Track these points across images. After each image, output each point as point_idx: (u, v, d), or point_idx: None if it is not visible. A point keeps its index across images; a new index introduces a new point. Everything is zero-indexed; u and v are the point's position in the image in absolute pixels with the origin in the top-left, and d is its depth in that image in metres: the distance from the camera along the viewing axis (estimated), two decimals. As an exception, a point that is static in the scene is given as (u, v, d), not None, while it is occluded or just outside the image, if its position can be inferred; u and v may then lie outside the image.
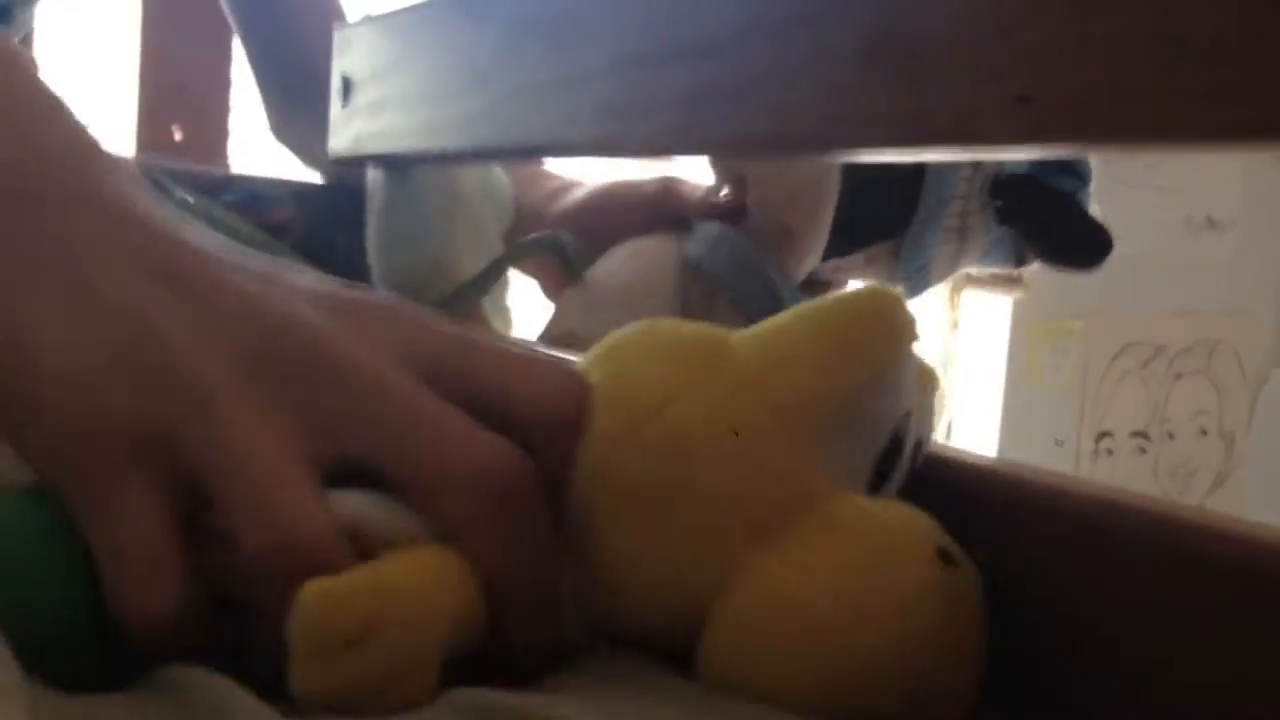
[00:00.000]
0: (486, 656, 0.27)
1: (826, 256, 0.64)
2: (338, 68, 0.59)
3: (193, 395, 0.26)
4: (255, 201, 0.67)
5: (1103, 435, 1.74)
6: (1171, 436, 1.80)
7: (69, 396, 0.26)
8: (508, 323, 0.65)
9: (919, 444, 0.30)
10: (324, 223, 0.70)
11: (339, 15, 0.81)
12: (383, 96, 0.55)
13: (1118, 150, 0.25)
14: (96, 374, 0.26)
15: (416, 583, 0.26)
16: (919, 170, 0.64)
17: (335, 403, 0.27)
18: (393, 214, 0.61)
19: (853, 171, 0.63)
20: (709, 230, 0.63)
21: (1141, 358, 1.74)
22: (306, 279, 0.30)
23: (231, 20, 0.85)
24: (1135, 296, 1.69)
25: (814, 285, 0.66)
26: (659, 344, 0.30)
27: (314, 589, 0.25)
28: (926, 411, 0.31)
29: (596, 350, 0.30)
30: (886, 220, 0.64)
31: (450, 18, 0.49)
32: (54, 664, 0.25)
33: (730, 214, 0.64)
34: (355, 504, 0.26)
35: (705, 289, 0.63)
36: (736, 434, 0.28)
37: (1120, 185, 1.63)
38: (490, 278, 0.60)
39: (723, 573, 0.27)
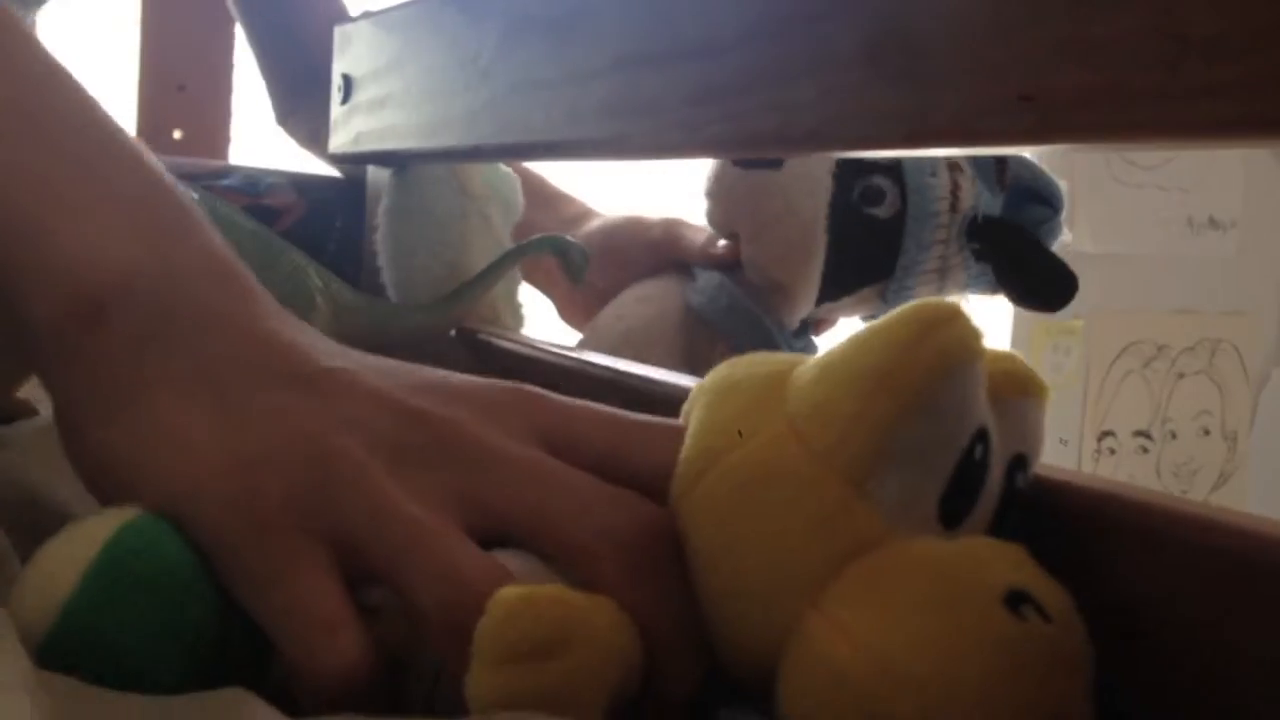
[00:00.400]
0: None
1: (819, 301, 0.70)
2: (337, 66, 0.59)
3: (343, 474, 0.27)
4: (253, 186, 0.67)
5: (1105, 435, 1.74)
6: (1174, 436, 1.80)
7: (225, 485, 0.27)
8: (519, 319, 0.65)
9: (1019, 461, 0.28)
10: (324, 213, 0.70)
11: (340, 2, 0.80)
12: (383, 94, 0.55)
13: (1119, 147, 0.25)
14: (248, 465, 0.28)
15: (603, 617, 0.26)
16: (899, 222, 0.68)
17: (475, 481, 0.28)
18: (404, 218, 0.61)
19: (838, 226, 0.68)
20: (710, 280, 0.69)
21: (1143, 357, 1.74)
22: (428, 373, 0.31)
23: (232, 8, 0.84)
24: (1137, 296, 1.69)
25: (808, 324, 0.72)
26: (729, 386, 0.29)
27: (511, 592, 0.25)
28: (1025, 425, 0.28)
29: (695, 392, 0.30)
30: (871, 269, 0.69)
31: (451, 14, 0.49)
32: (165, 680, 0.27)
33: (727, 265, 0.69)
34: (514, 565, 0.27)
35: (707, 335, 0.69)
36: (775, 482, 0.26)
37: (1122, 185, 1.63)
38: (492, 275, 0.60)
39: (779, 633, 0.26)
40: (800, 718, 0.25)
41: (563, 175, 0.82)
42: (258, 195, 0.66)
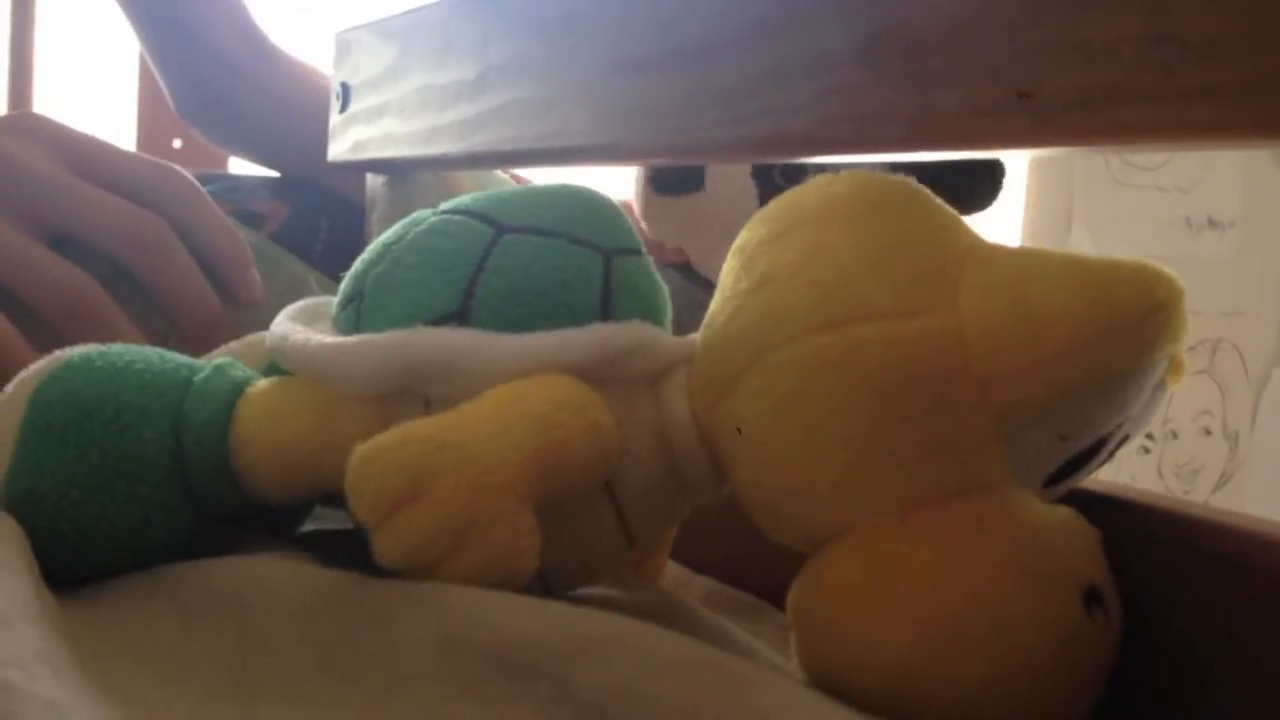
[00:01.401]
0: None
1: None
2: (336, 74, 0.59)
3: None
4: (234, 192, 0.67)
5: (1106, 435, 1.74)
6: (1175, 436, 1.79)
7: None
8: None
9: (1125, 439, 0.27)
10: (309, 217, 0.70)
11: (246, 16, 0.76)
12: (381, 102, 0.55)
13: (1116, 149, 0.25)
14: None
15: (457, 434, 0.26)
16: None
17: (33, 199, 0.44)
18: (392, 223, 0.61)
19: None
20: (672, 282, 0.69)
21: (1144, 358, 1.73)
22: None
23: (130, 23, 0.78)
24: (1137, 296, 1.68)
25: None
26: (886, 242, 0.26)
27: (356, 454, 0.26)
28: (1151, 407, 0.27)
29: (786, 209, 0.28)
30: None
31: (448, 22, 0.49)
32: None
33: (680, 265, 0.68)
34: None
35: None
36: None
37: (1120, 186, 1.63)
38: None
39: (843, 517, 0.25)
40: (845, 612, 0.25)
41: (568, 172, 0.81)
42: (239, 201, 0.66)
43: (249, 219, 0.66)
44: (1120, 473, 1.71)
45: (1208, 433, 1.78)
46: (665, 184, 0.64)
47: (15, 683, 0.20)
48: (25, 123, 0.48)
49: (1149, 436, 1.76)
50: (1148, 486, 1.73)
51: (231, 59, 0.72)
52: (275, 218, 0.68)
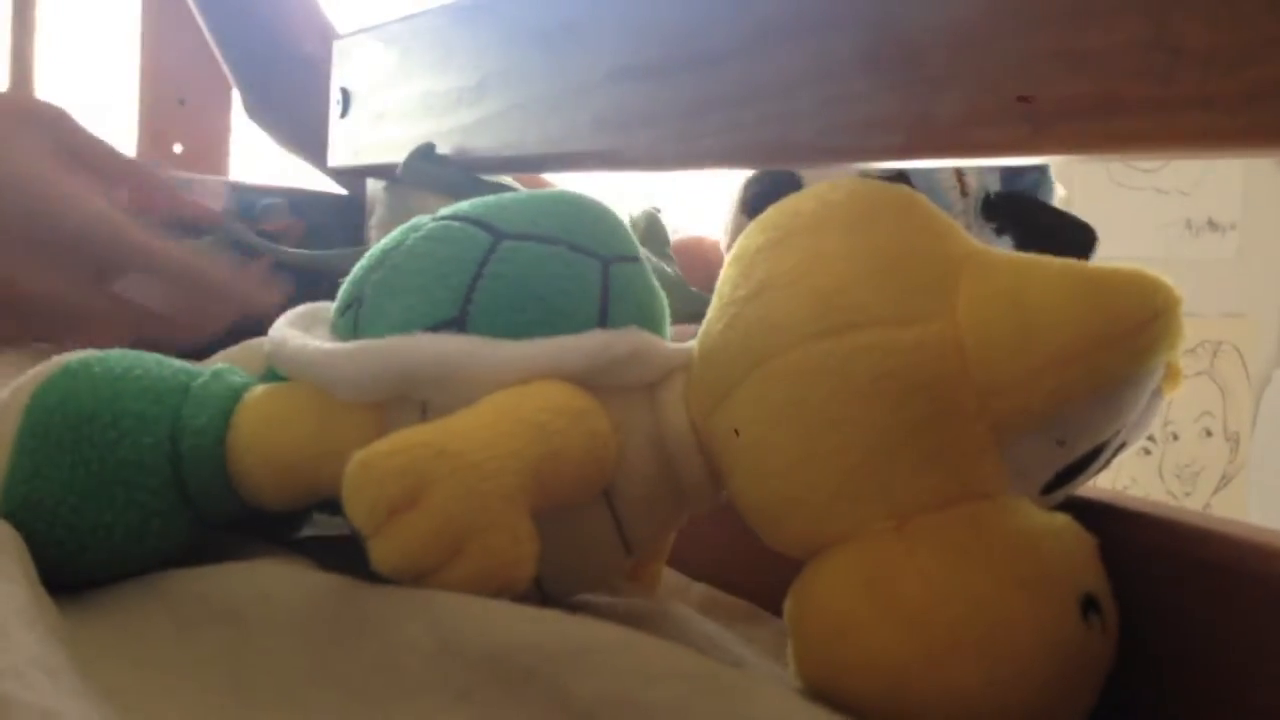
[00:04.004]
0: None
1: None
2: (336, 79, 0.59)
3: None
4: (246, 210, 0.67)
5: (1107, 438, 1.73)
6: (1176, 437, 1.79)
7: None
8: None
9: (1122, 446, 0.27)
10: (324, 233, 0.70)
11: None
12: (382, 108, 0.55)
13: (1114, 157, 0.25)
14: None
15: (470, 433, 0.26)
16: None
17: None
18: (391, 228, 0.61)
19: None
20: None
21: (1144, 360, 1.73)
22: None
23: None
24: (1137, 299, 1.68)
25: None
26: (884, 249, 0.26)
27: (354, 461, 0.26)
28: (1148, 414, 0.27)
29: (785, 216, 0.28)
30: None
31: (448, 28, 0.49)
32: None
33: None
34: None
35: None
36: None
37: (1121, 188, 1.63)
38: None
39: (840, 525, 0.25)
40: (842, 619, 0.25)
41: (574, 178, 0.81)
42: (253, 220, 0.66)
43: (269, 238, 0.66)
44: (1121, 474, 1.71)
45: (1208, 434, 1.78)
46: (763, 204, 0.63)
47: (11, 694, 0.20)
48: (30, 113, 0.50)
49: (1150, 438, 1.75)
50: (1148, 488, 1.73)
51: (304, 54, 0.72)
52: (290, 235, 0.68)
